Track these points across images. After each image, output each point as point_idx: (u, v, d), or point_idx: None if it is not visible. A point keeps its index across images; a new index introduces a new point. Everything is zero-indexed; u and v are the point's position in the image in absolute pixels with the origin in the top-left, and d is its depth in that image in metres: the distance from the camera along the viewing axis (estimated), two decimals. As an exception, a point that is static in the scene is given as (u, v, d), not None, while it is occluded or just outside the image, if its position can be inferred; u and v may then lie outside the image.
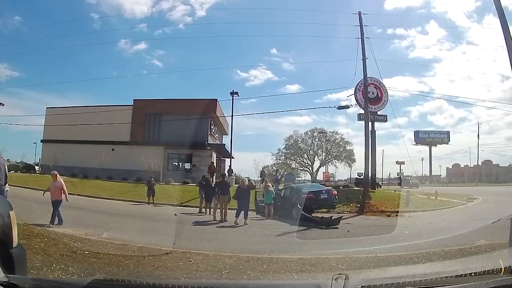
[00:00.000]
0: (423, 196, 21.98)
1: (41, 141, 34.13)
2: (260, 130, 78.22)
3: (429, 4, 69.85)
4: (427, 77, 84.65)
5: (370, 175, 27.20)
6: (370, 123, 28.18)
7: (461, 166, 68.87)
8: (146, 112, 31.64)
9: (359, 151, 53.81)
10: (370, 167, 26.96)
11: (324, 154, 51.69)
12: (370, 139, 27.58)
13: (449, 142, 62.28)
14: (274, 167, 53.94)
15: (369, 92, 27.83)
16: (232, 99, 29.59)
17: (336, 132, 53.43)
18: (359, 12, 20.48)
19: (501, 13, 9.10)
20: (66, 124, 30.11)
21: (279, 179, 27.48)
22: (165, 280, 4.32)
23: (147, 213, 14.68)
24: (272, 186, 16.44)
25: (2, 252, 2.79)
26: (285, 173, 47.89)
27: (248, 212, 12.79)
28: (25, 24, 57.44)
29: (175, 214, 13.95)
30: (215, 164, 30.33)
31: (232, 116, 30.23)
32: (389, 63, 73.02)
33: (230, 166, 30.00)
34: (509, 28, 9.01)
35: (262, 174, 27.81)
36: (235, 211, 12.71)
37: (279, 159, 55.14)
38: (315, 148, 54.06)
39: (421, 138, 61.91)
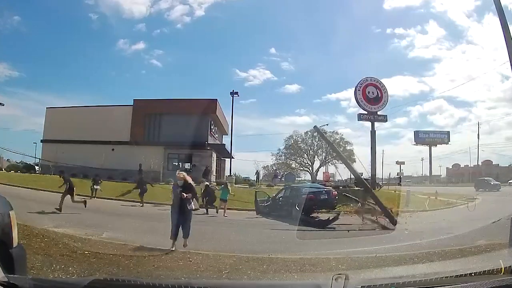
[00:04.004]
0: (423, 196, 21.98)
1: (41, 141, 34.13)
2: (260, 130, 78.23)
3: (428, 3, 69.93)
4: (426, 77, 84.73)
5: (370, 175, 27.25)
6: (370, 123, 28.25)
7: (461, 166, 68.85)
8: (146, 112, 31.63)
9: (359, 151, 53.84)
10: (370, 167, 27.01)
11: (324, 154, 51.68)
12: (371, 139, 27.66)
13: (449, 142, 62.26)
14: (274, 167, 54.12)
15: (368, 92, 27.87)
16: (232, 99, 29.67)
17: (336, 132, 53.38)
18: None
19: (501, 12, 9.08)
20: (66, 124, 30.15)
21: (278, 176, 27.59)
22: (165, 280, 4.32)
23: (147, 213, 14.69)
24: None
25: (2, 252, 2.79)
26: (285, 173, 47.91)
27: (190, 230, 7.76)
28: (24, 24, 57.53)
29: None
30: (209, 167, 30.36)
31: (232, 116, 30.34)
32: (389, 63, 72.93)
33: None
34: (509, 27, 8.99)
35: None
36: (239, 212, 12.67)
37: (279, 159, 55.16)
38: (315, 148, 54.01)
39: (421, 138, 61.88)
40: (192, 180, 8.35)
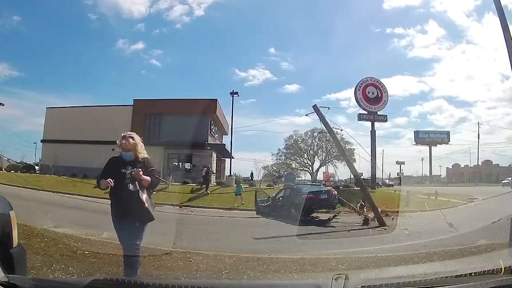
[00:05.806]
0: (423, 196, 21.98)
1: (41, 141, 34.13)
2: (260, 130, 78.33)
3: (428, 3, 70.02)
4: (426, 77, 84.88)
5: (370, 175, 27.25)
6: (370, 123, 28.27)
7: (461, 166, 68.89)
8: (146, 112, 31.66)
9: (358, 151, 53.88)
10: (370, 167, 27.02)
11: (324, 154, 51.72)
12: (371, 139, 27.68)
13: (449, 142, 62.32)
14: (274, 167, 54.17)
15: (368, 92, 27.91)
16: (232, 99, 29.69)
17: (336, 132, 53.47)
18: None
19: (501, 12, 9.06)
20: (66, 124, 30.16)
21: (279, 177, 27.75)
22: (165, 280, 4.31)
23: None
24: None
25: (2, 252, 2.79)
26: (285, 173, 47.96)
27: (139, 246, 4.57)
28: (24, 24, 57.60)
29: (176, 214, 13.96)
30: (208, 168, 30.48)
31: (232, 116, 30.34)
32: (389, 63, 73.04)
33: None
34: (509, 27, 8.98)
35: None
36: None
37: (279, 159, 55.21)
38: (315, 148, 54.12)
39: (421, 138, 61.94)
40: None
